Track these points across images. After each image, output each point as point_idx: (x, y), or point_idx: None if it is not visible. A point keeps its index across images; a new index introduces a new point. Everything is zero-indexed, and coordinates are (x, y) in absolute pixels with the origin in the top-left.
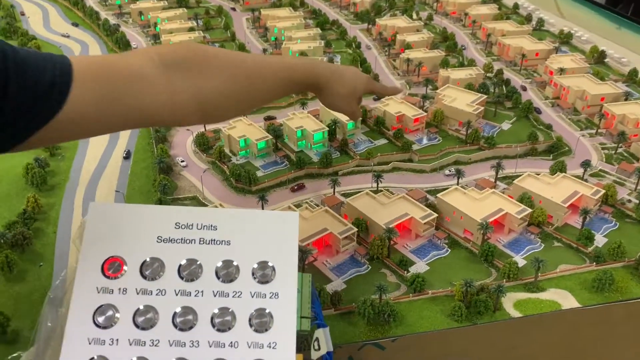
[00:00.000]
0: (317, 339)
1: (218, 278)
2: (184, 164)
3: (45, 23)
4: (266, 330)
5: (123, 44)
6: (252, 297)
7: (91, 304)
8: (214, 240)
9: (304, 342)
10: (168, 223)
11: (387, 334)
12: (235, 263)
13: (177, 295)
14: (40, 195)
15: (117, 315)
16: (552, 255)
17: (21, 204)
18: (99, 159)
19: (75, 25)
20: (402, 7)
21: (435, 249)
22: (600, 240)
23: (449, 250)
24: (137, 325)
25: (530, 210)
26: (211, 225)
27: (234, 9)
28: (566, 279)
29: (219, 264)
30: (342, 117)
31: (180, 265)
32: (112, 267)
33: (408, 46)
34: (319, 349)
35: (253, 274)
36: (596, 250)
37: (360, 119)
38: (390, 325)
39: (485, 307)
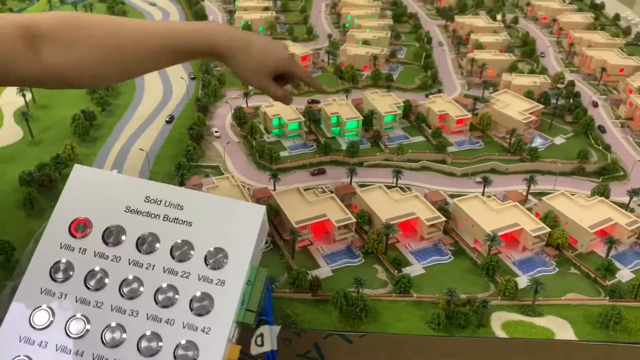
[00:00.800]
0: (261, 334)
1: (172, 256)
2: (217, 134)
3: None
4: (204, 314)
5: (199, 17)
6: (199, 280)
7: (51, 257)
8: (178, 219)
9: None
10: (139, 195)
11: (357, 328)
12: (191, 244)
13: (129, 264)
14: (81, 145)
15: (72, 272)
16: (563, 282)
17: (60, 150)
18: (144, 119)
19: None
20: (489, 7)
21: (438, 254)
22: (625, 275)
23: (452, 257)
24: (87, 286)
25: (548, 229)
26: (178, 205)
27: None
28: (571, 309)
29: (176, 243)
30: (380, 109)
31: (139, 237)
32: (78, 227)
33: (480, 46)
34: (262, 345)
35: (206, 258)
36: (615, 284)
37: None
38: (362, 320)
39: (466, 321)
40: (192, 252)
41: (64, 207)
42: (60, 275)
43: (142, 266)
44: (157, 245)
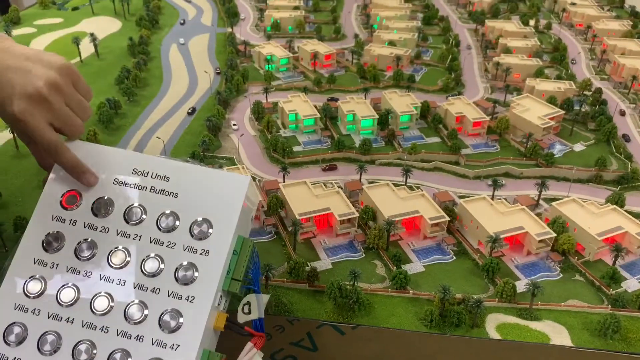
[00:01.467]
0: (248, 302)
1: (158, 227)
2: (235, 127)
3: None
4: (188, 284)
5: (231, 14)
6: (184, 250)
7: (44, 228)
8: (164, 190)
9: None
10: (127, 167)
11: (350, 320)
12: (177, 215)
13: (117, 235)
14: (105, 132)
15: (63, 243)
16: (566, 288)
17: (84, 137)
18: (167, 110)
19: None
20: (522, 12)
21: (440, 253)
22: (632, 285)
23: (454, 257)
24: (77, 256)
25: (553, 234)
26: (165, 176)
27: None
28: (570, 315)
29: (163, 214)
30: (397, 109)
31: (127, 209)
32: (69, 199)
33: (508, 51)
34: (249, 313)
35: (191, 228)
36: (619, 294)
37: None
38: (356, 312)
39: (459, 320)
40: (177, 222)
41: (56, 179)
42: (51, 247)
43: (129, 237)
44: (144, 216)
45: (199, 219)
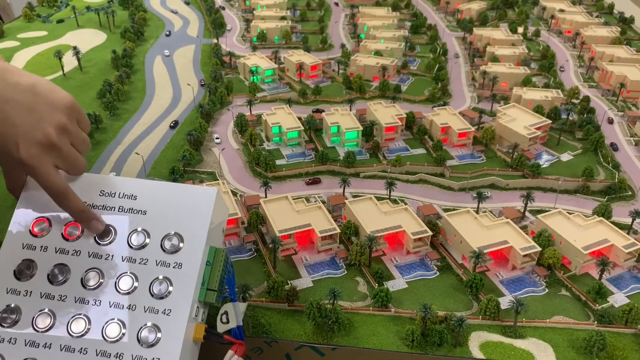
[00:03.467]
0: (225, 312)
1: (129, 245)
2: (218, 140)
3: None
4: (164, 297)
5: (217, 25)
6: (157, 265)
7: (14, 257)
8: (132, 209)
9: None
10: (94, 190)
11: (330, 341)
12: (147, 232)
13: (89, 257)
14: None
15: (35, 270)
16: (552, 304)
17: None
18: (149, 124)
19: (187, 3)
20: (511, 20)
21: (424, 269)
22: (619, 299)
23: (438, 273)
24: (50, 281)
25: (538, 248)
26: (132, 195)
27: (336, 4)
28: (556, 332)
29: (132, 231)
30: (381, 120)
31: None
32: (39, 226)
33: (496, 59)
34: (228, 322)
35: (162, 244)
36: (605, 309)
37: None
38: (335, 333)
39: (441, 339)
40: (148, 239)
41: (24, 208)
42: (23, 275)
43: (101, 257)
44: (115, 236)
45: (170, 233)
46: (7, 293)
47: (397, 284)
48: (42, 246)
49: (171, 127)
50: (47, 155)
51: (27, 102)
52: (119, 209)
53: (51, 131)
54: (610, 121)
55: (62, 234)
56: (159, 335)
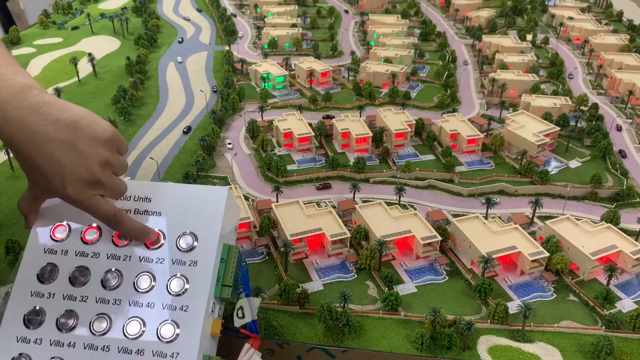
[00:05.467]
0: (241, 307)
1: (146, 245)
2: (230, 146)
3: (175, 6)
4: (181, 295)
5: (229, 32)
6: (173, 264)
7: (37, 262)
8: (147, 211)
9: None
10: None
11: (341, 343)
12: (163, 232)
13: (108, 258)
14: None
15: (57, 273)
16: (560, 309)
17: None
18: (163, 130)
19: (199, 11)
20: (520, 27)
21: (433, 273)
22: (627, 305)
23: (447, 278)
24: (72, 283)
25: (547, 254)
26: (146, 197)
27: (346, 12)
28: (564, 337)
29: None
30: (391, 126)
31: (114, 233)
32: (59, 231)
33: (505, 66)
34: (243, 317)
35: (177, 243)
36: (613, 314)
37: None
38: (346, 335)
39: (450, 343)
40: (163, 239)
41: (45, 214)
42: (46, 278)
43: (119, 259)
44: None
45: (184, 232)
46: (32, 296)
47: (407, 288)
48: (62, 250)
49: (184, 133)
50: (93, 189)
51: (70, 139)
52: (135, 211)
53: (95, 168)
54: (619, 128)
55: (81, 237)
56: (177, 331)
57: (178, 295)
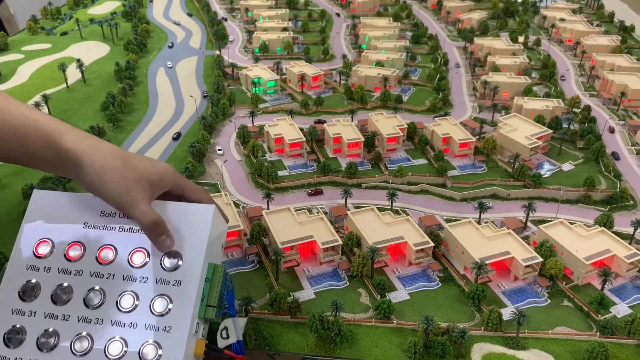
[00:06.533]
0: (225, 328)
1: (130, 264)
2: (220, 152)
3: (165, 11)
4: (164, 315)
5: (219, 37)
6: (157, 283)
7: (19, 279)
8: (132, 228)
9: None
10: (95, 211)
11: (332, 353)
12: (147, 250)
13: (91, 276)
14: None
15: (39, 291)
16: (554, 314)
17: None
18: (152, 136)
19: (190, 15)
20: (512, 29)
21: (426, 280)
22: (621, 309)
23: (440, 284)
24: (54, 301)
25: (540, 259)
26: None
27: (338, 15)
28: (558, 343)
29: (132, 251)
30: (383, 130)
31: (98, 250)
32: (42, 248)
33: (497, 69)
34: (228, 337)
35: (161, 262)
36: (608, 320)
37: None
38: (338, 345)
39: (443, 351)
40: (147, 258)
41: (27, 230)
42: (27, 296)
43: (102, 277)
44: (115, 256)
45: (169, 251)
46: (13, 314)
47: (399, 295)
48: (45, 267)
49: (174, 139)
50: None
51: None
52: (119, 228)
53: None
54: (612, 130)
55: (64, 254)
56: (160, 352)
57: (161, 315)
